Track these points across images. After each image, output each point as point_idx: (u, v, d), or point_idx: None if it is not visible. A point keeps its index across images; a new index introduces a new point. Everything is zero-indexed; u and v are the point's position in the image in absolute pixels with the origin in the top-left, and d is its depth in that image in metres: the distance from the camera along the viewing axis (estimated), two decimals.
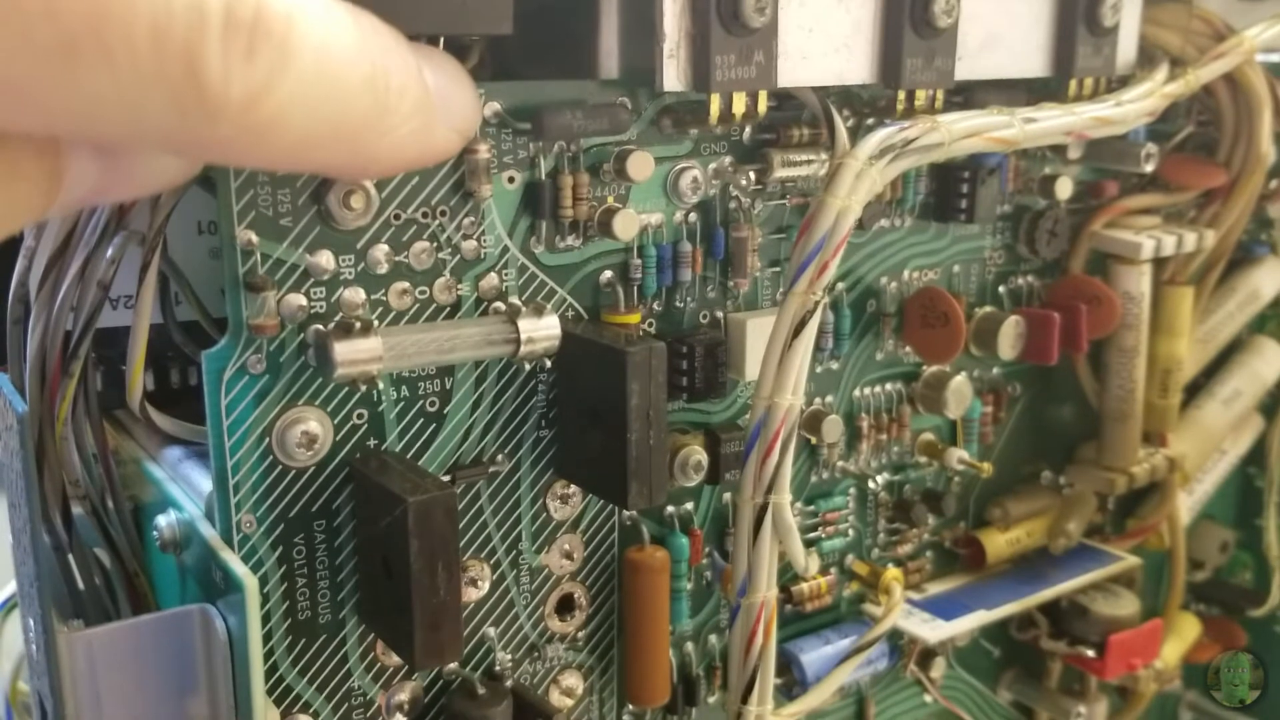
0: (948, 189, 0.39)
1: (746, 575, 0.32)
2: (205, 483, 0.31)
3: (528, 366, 0.32)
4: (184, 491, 0.31)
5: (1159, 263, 0.43)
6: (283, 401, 0.29)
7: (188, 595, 0.31)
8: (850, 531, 0.41)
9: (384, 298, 0.30)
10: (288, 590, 0.30)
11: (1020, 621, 0.46)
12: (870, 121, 0.36)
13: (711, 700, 0.39)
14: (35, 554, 0.28)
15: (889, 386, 0.40)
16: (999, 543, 0.44)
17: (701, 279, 0.35)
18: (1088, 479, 0.45)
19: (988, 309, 0.41)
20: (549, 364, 0.32)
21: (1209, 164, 0.43)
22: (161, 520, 0.31)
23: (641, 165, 0.32)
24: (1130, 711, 0.49)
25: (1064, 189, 0.41)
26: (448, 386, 0.31)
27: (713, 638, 0.38)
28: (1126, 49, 0.38)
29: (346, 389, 0.30)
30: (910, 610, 0.41)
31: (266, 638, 0.30)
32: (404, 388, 0.31)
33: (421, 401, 0.31)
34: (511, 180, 0.31)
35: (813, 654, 0.39)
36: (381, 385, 0.30)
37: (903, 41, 0.33)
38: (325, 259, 0.29)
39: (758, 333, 0.35)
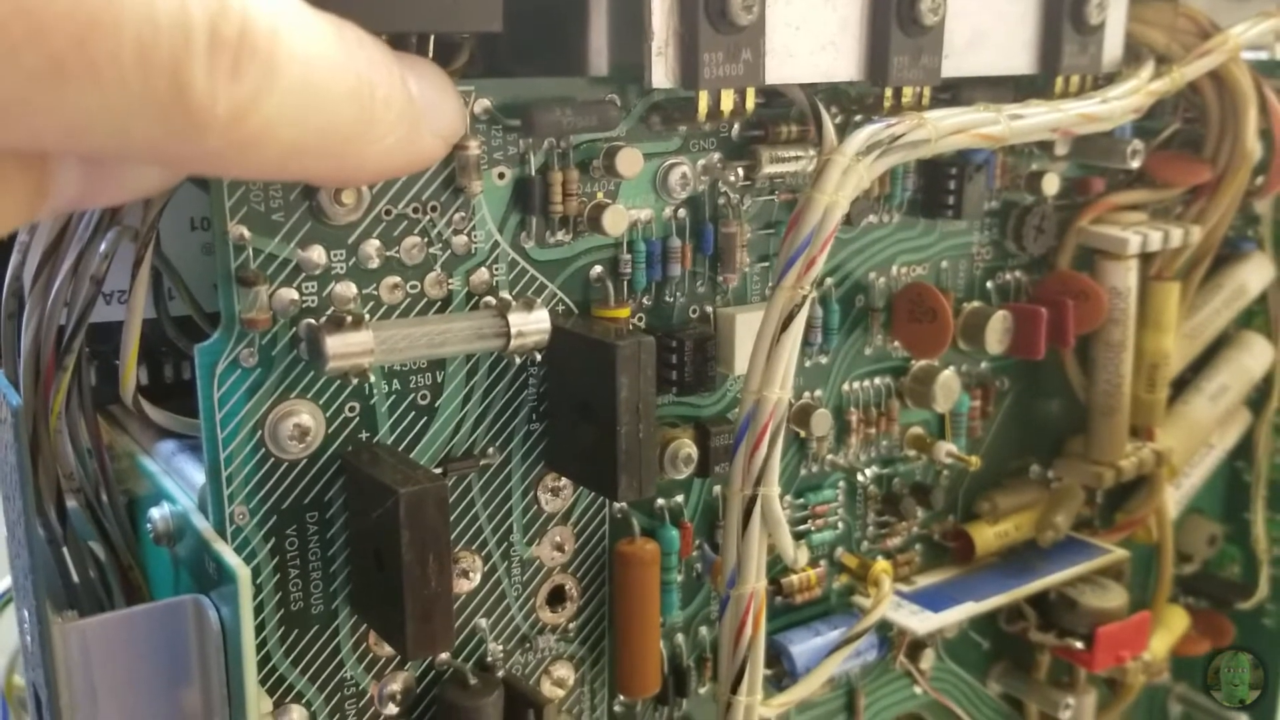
0: (935, 185, 0.39)
1: (736, 567, 0.32)
2: (198, 475, 0.31)
3: (518, 360, 0.33)
4: (177, 484, 0.32)
5: (1145, 258, 0.44)
6: (275, 395, 0.29)
7: (181, 587, 0.31)
8: (839, 524, 0.41)
9: (375, 292, 0.30)
10: (280, 581, 0.30)
11: (1009, 614, 0.46)
12: (858, 118, 0.37)
13: (702, 691, 0.39)
14: (30, 547, 0.28)
15: (878, 381, 0.40)
16: (987, 536, 0.44)
17: (691, 274, 0.35)
18: (1075, 473, 0.45)
19: (975, 304, 0.41)
20: (539, 358, 0.32)
21: (1195, 160, 0.44)
22: (155, 513, 0.31)
23: (631, 161, 0.32)
24: (1119, 703, 0.49)
25: (1051, 185, 0.41)
26: (439, 380, 0.32)
27: (703, 629, 0.39)
28: (1112, 46, 0.39)
29: (338, 382, 0.30)
30: (899, 602, 0.41)
31: (259, 628, 0.30)
32: (395, 381, 0.31)
33: (413, 395, 0.31)
34: (502, 176, 0.31)
35: (802, 645, 0.39)
36: (373, 378, 0.30)
37: (890, 39, 0.33)
38: (317, 254, 0.29)
39: (747, 327, 0.35)
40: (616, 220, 0.33)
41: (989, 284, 0.42)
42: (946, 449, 0.41)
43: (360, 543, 0.30)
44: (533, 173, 0.32)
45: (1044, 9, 0.37)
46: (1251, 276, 0.48)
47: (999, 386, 0.44)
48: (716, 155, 0.35)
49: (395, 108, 0.22)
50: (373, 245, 0.30)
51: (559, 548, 0.35)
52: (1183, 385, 0.48)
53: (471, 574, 0.33)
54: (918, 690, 0.45)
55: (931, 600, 0.42)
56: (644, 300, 0.35)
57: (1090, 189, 0.43)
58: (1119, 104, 0.37)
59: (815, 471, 0.40)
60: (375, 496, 0.29)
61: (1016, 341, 0.41)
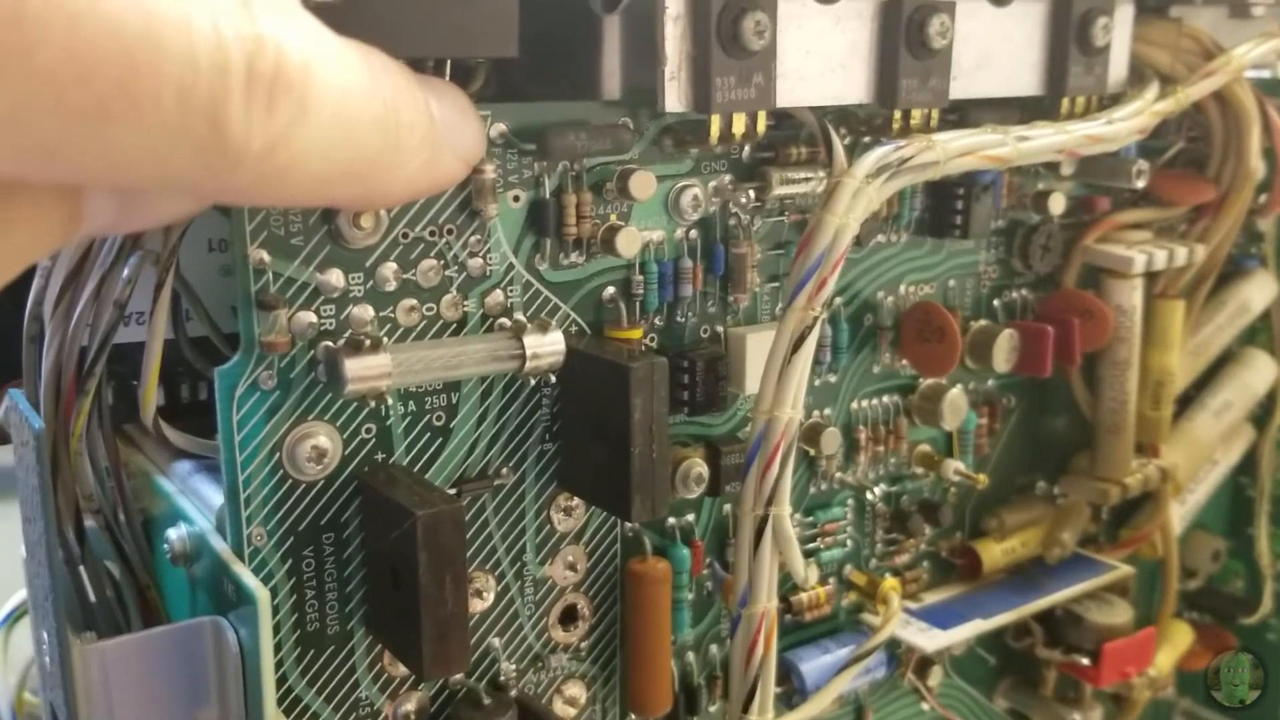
0: (943, 205, 0.39)
1: (747, 586, 0.32)
2: (215, 496, 0.31)
3: (532, 381, 0.33)
4: (194, 505, 0.32)
5: (1150, 276, 0.44)
6: (293, 417, 0.29)
7: (198, 607, 0.32)
8: (848, 542, 0.41)
9: (392, 315, 0.30)
10: (297, 602, 0.31)
11: (1016, 630, 0.46)
12: (867, 140, 0.37)
13: (712, 709, 0.39)
14: (50, 567, 0.29)
15: (886, 399, 0.41)
16: (994, 552, 0.44)
17: (702, 294, 0.36)
18: (1081, 489, 0.46)
19: (982, 322, 0.42)
20: (553, 379, 0.33)
21: (1199, 179, 0.44)
22: (172, 533, 0.31)
23: (643, 184, 0.33)
24: (1124, 718, 0.49)
25: (1057, 204, 0.42)
26: (454, 401, 0.32)
27: (714, 647, 0.39)
28: (1118, 68, 0.39)
29: (355, 404, 0.30)
30: (908, 619, 0.41)
31: (276, 649, 0.30)
32: (411, 403, 0.31)
33: (428, 416, 0.32)
34: (517, 199, 0.32)
35: (812, 663, 0.40)
36: (390, 401, 0.31)
37: (898, 62, 0.34)
38: (335, 277, 0.29)
39: (757, 347, 0.35)
40: (630, 242, 0.33)
41: (996, 302, 0.43)
42: (954, 467, 0.41)
43: (376, 563, 0.31)
44: (547, 195, 0.32)
45: (1050, 31, 0.37)
46: (1255, 294, 0.49)
47: (1006, 404, 0.44)
48: (728, 177, 0.35)
49: (419, 132, 0.22)
50: (390, 268, 0.30)
51: (571, 567, 0.35)
52: (1187, 402, 0.49)
53: (485, 594, 0.34)
54: (925, 707, 0.45)
55: (939, 617, 0.42)
56: (656, 321, 0.35)
57: (1096, 208, 0.44)
58: (1124, 125, 0.38)
59: (824, 489, 0.40)
60: (392, 518, 0.29)
61: (1023, 359, 0.41)
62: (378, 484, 0.30)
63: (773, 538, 0.32)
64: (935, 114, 0.36)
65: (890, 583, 0.41)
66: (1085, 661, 0.45)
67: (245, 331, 0.29)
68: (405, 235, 0.30)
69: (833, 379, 0.39)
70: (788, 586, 0.40)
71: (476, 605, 0.33)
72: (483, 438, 0.33)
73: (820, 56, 0.33)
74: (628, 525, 0.36)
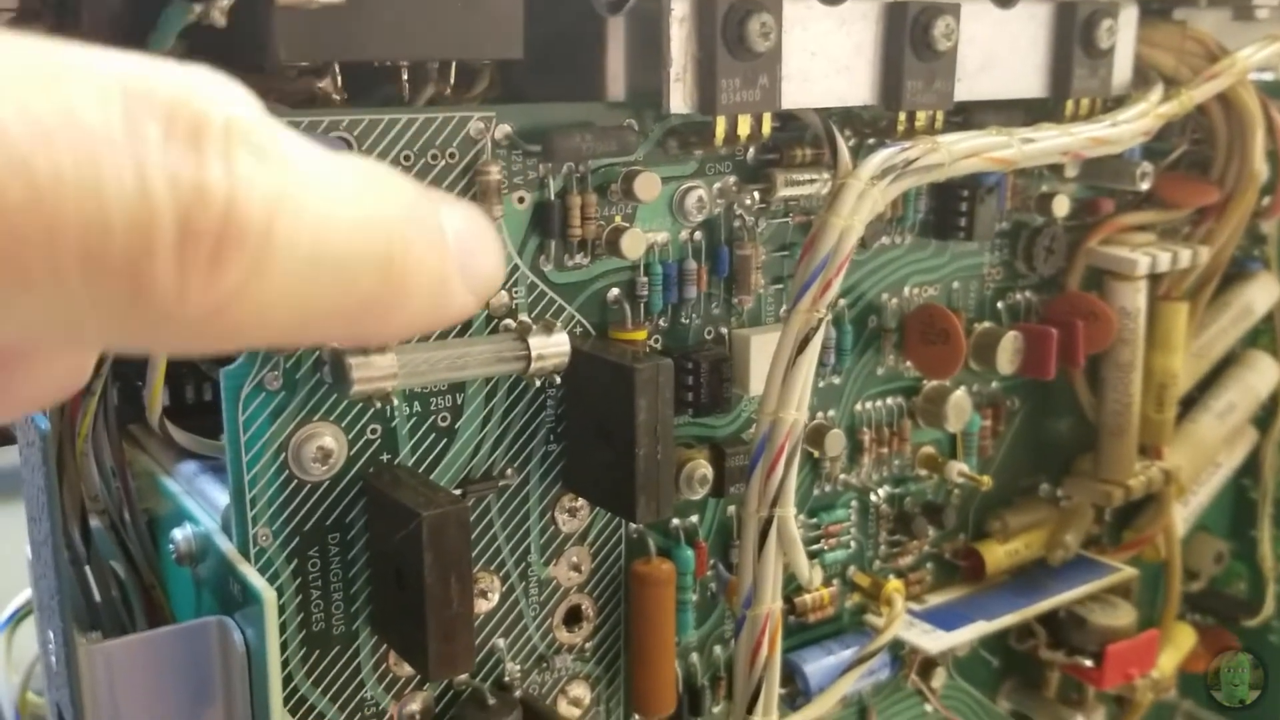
0: (947, 207, 0.39)
1: (752, 587, 0.32)
2: (221, 496, 0.31)
3: (537, 382, 0.33)
4: (200, 505, 0.32)
5: (1154, 279, 0.44)
6: (298, 417, 0.30)
7: (203, 607, 0.32)
8: (852, 544, 0.41)
9: None
10: (302, 602, 0.31)
11: (1019, 632, 0.46)
12: (871, 141, 0.37)
13: (716, 710, 0.39)
14: (56, 568, 0.29)
15: (890, 401, 0.41)
16: (998, 554, 0.44)
17: (706, 296, 0.36)
18: (1085, 491, 0.46)
19: (986, 325, 0.42)
20: (558, 380, 0.33)
21: (1203, 182, 0.44)
22: (177, 534, 0.32)
23: (648, 185, 0.33)
24: None
25: (1061, 207, 0.42)
26: (459, 402, 0.32)
27: (717, 648, 0.39)
28: (1122, 70, 0.39)
29: (360, 405, 0.30)
30: (911, 621, 0.41)
31: (281, 649, 0.30)
32: (416, 403, 0.31)
33: (433, 417, 0.32)
34: (521, 200, 0.32)
35: (816, 664, 0.40)
36: (395, 401, 0.31)
37: (903, 64, 0.34)
38: None
39: (762, 348, 0.35)
40: (634, 243, 0.33)
41: (999, 304, 0.43)
42: (958, 468, 0.41)
43: (381, 564, 0.31)
44: (552, 197, 0.32)
45: (1055, 33, 0.38)
46: (1258, 296, 0.49)
47: (1009, 406, 0.44)
48: (732, 179, 0.35)
49: (429, 267, 0.18)
50: None
51: (576, 568, 0.35)
52: (1190, 404, 0.49)
53: (490, 594, 0.34)
54: (929, 708, 0.45)
55: (943, 619, 0.42)
56: (660, 322, 0.35)
57: (1100, 210, 0.44)
58: (1128, 127, 0.38)
59: (828, 491, 0.40)
60: (397, 519, 0.29)
61: (1027, 361, 0.41)
62: (383, 485, 0.30)
63: (777, 539, 0.32)
64: (940, 116, 0.36)
65: (894, 584, 0.41)
66: (1088, 663, 0.45)
67: None
68: None
69: (837, 381, 0.39)
70: (792, 588, 0.40)
71: (481, 606, 0.33)
72: (487, 439, 0.33)
73: (825, 58, 0.33)
74: (632, 526, 0.36)
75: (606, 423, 0.32)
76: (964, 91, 0.36)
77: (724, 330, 0.36)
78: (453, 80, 0.32)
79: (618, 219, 0.33)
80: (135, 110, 0.14)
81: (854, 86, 0.34)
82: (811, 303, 0.31)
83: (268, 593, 0.27)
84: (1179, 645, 0.51)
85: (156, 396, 0.30)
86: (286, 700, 0.31)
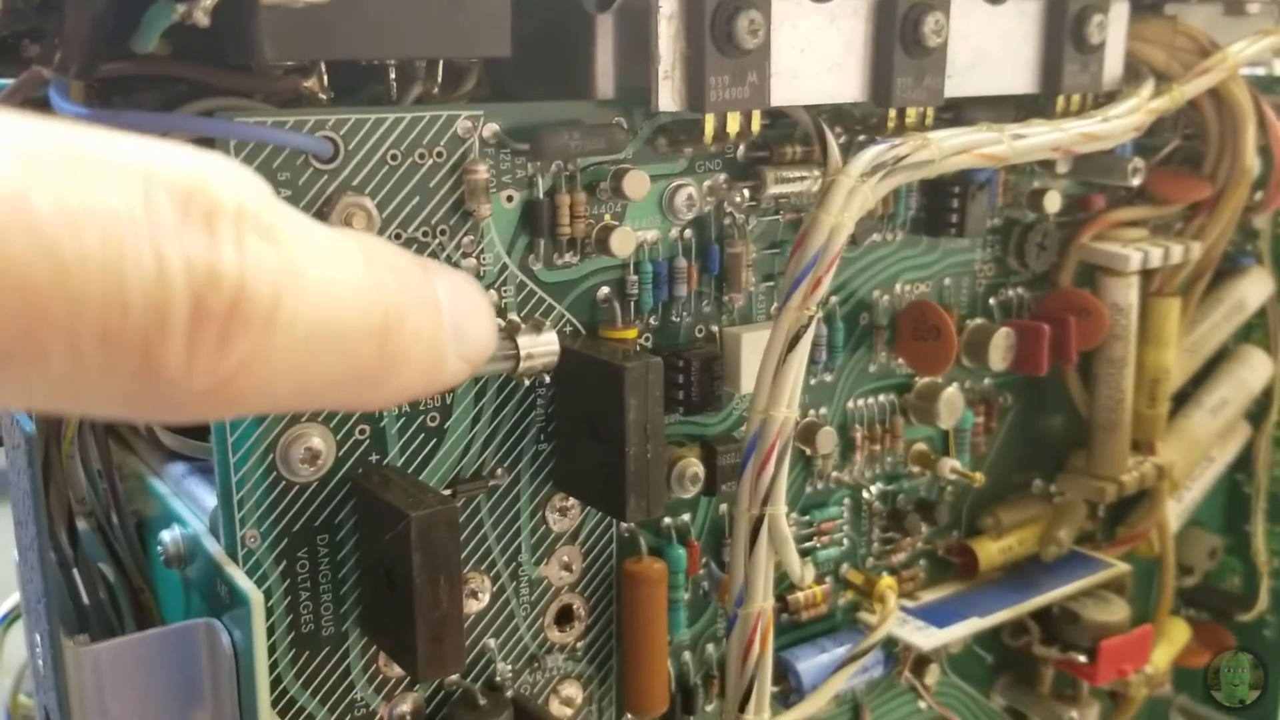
0: (938, 204, 0.39)
1: (743, 586, 0.32)
2: (209, 498, 0.31)
3: (527, 382, 0.33)
4: (188, 507, 0.32)
5: (1146, 274, 0.44)
6: (286, 418, 0.29)
7: (192, 609, 0.32)
8: (845, 541, 0.41)
9: None
10: (291, 604, 0.31)
11: (1013, 628, 0.46)
12: (862, 139, 0.37)
13: (709, 709, 0.39)
14: (43, 570, 0.29)
15: (882, 398, 0.41)
16: (991, 551, 0.44)
17: (697, 294, 0.35)
18: (1078, 487, 0.46)
19: (978, 321, 0.42)
20: (548, 379, 0.33)
21: (1194, 177, 0.44)
22: (166, 535, 0.31)
23: (637, 183, 0.33)
24: (1121, 716, 0.49)
25: (1053, 203, 0.42)
26: (448, 402, 0.32)
27: (710, 647, 0.39)
28: (1113, 65, 0.39)
29: None
30: (904, 618, 0.41)
31: (270, 650, 0.30)
32: (405, 404, 0.31)
33: (422, 417, 0.32)
34: (510, 199, 0.32)
35: (809, 662, 0.40)
36: None
37: (893, 60, 0.34)
38: None
39: (753, 346, 0.35)
40: (624, 242, 0.33)
41: (991, 301, 0.43)
42: (951, 465, 0.41)
43: (371, 565, 0.30)
44: (541, 195, 0.32)
45: (1045, 29, 0.37)
46: (1250, 291, 0.49)
47: (1002, 403, 0.44)
48: (722, 176, 0.35)
49: (424, 338, 0.19)
50: None
51: (567, 567, 0.35)
52: (1183, 399, 0.49)
53: (480, 594, 0.34)
54: (923, 705, 0.45)
55: (936, 616, 0.42)
56: (651, 320, 0.35)
57: (1091, 206, 0.44)
58: (1120, 122, 0.37)
59: (820, 489, 0.40)
60: (386, 519, 0.29)
61: (1019, 358, 0.41)
62: (372, 485, 0.30)
63: (769, 537, 0.32)
64: (930, 113, 0.36)
65: (887, 581, 0.41)
66: (1082, 659, 0.45)
67: None
68: (398, 236, 0.30)
69: (828, 378, 0.39)
70: (784, 586, 0.40)
71: (472, 606, 0.33)
72: (477, 438, 0.33)
73: (815, 55, 0.33)
74: (623, 525, 0.36)
75: (597, 422, 0.32)
76: (954, 88, 0.36)
77: (715, 328, 0.36)
78: (440, 79, 0.32)
79: (607, 217, 0.33)
80: (155, 196, 0.14)
81: (844, 83, 0.34)
82: (802, 300, 0.31)
83: (255, 594, 0.27)
84: (1173, 640, 0.51)
85: None
86: (276, 702, 0.31)
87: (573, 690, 0.36)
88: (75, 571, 0.32)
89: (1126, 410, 0.44)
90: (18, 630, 0.45)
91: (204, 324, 0.15)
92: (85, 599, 0.33)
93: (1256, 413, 0.51)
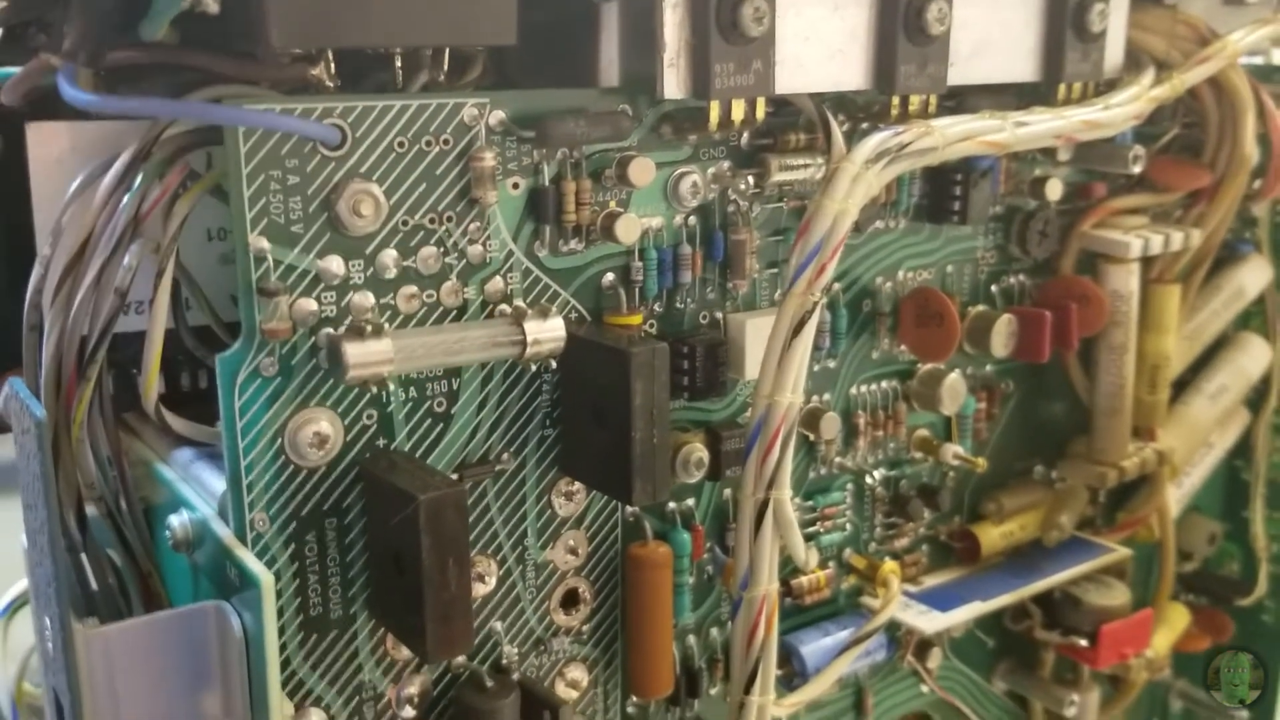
0: (941, 191, 0.40)
1: (748, 569, 0.33)
2: (217, 483, 0.31)
3: (533, 367, 0.33)
4: (196, 492, 0.32)
5: (1147, 262, 0.44)
6: (294, 403, 0.30)
7: (200, 593, 0.32)
8: (848, 526, 0.41)
9: (392, 301, 0.30)
10: (300, 587, 0.31)
11: (1014, 613, 0.47)
12: (865, 126, 0.37)
13: (713, 692, 0.39)
14: (53, 555, 0.29)
15: (885, 384, 0.41)
16: (993, 536, 0.44)
17: (701, 281, 0.36)
18: (1079, 473, 0.46)
19: (980, 308, 0.42)
20: (554, 365, 0.33)
21: (1194, 165, 0.44)
22: (174, 520, 0.32)
23: (642, 171, 0.33)
24: (1121, 700, 0.50)
25: (1054, 190, 0.42)
26: (455, 387, 0.32)
27: (714, 631, 0.39)
28: (1114, 54, 0.39)
29: (357, 390, 0.30)
30: (907, 602, 0.42)
31: (279, 633, 0.30)
32: (412, 389, 0.31)
33: (429, 402, 0.32)
34: (516, 186, 0.32)
35: (812, 646, 0.40)
36: (391, 386, 0.31)
37: (896, 49, 0.34)
38: (335, 264, 0.29)
39: (756, 333, 0.35)
40: (629, 228, 0.33)
41: (993, 288, 0.43)
42: (953, 451, 0.42)
43: (379, 548, 0.31)
44: (546, 182, 0.32)
45: (1046, 18, 0.38)
46: (1249, 279, 0.49)
47: (1004, 389, 0.45)
48: (726, 164, 0.35)
49: None
50: (390, 255, 0.30)
51: (573, 551, 0.35)
52: (1183, 386, 0.49)
53: (487, 578, 0.34)
54: (925, 689, 0.45)
55: (939, 600, 0.42)
56: (655, 307, 0.35)
57: (1092, 194, 0.44)
58: (1120, 110, 0.38)
59: (823, 474, 0.40)
60: (395, 503, 0.29)
61: (1021, 344, 0.42)
62: (379, 469, 0.30)
63: (773, 521, 0.32)
64: (933, 101, 0.36)
65: (890, 565, 0.41)
66: (1083, 643, 0.45)
67: (246, 319, 0.29)
68: (405, 223, 0.30)
69: (832, 364, 0.39)
70: (788, 570, 0.40)
71: (478, 589, 0.34)
72: (484, 423, 0.33)
73: (819, 43, 0.33)
74: (628, 510, 0.36)
75: (602, 406, 0.32)
76: (957, 76, 0.36)
77: (719, 315, 0.36)
78: (446, 67, 0.32)
79: (612, 204, 0.33)
80: None
81: (847, 71, 0.34)
82: (806, 285, 0.31)
83: (265, 577, 0.27)
84: (1173, 625, 0.51)
85: (152, 384, 0.30)
86: (284, 684, 0.31)
87: (578, 673, 0.36)
88: (84, 556, 0.32)
89: (1127, 396, 0.45)
90: (21, 618, 0.45)
91: None
92: (94, 584, 0.33)
93: (1255, 399, 0.52)
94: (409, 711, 0.33)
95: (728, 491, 0.38)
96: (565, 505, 0.35)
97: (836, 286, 0.39)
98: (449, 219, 0.31)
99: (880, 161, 0.32)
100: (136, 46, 0.28)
